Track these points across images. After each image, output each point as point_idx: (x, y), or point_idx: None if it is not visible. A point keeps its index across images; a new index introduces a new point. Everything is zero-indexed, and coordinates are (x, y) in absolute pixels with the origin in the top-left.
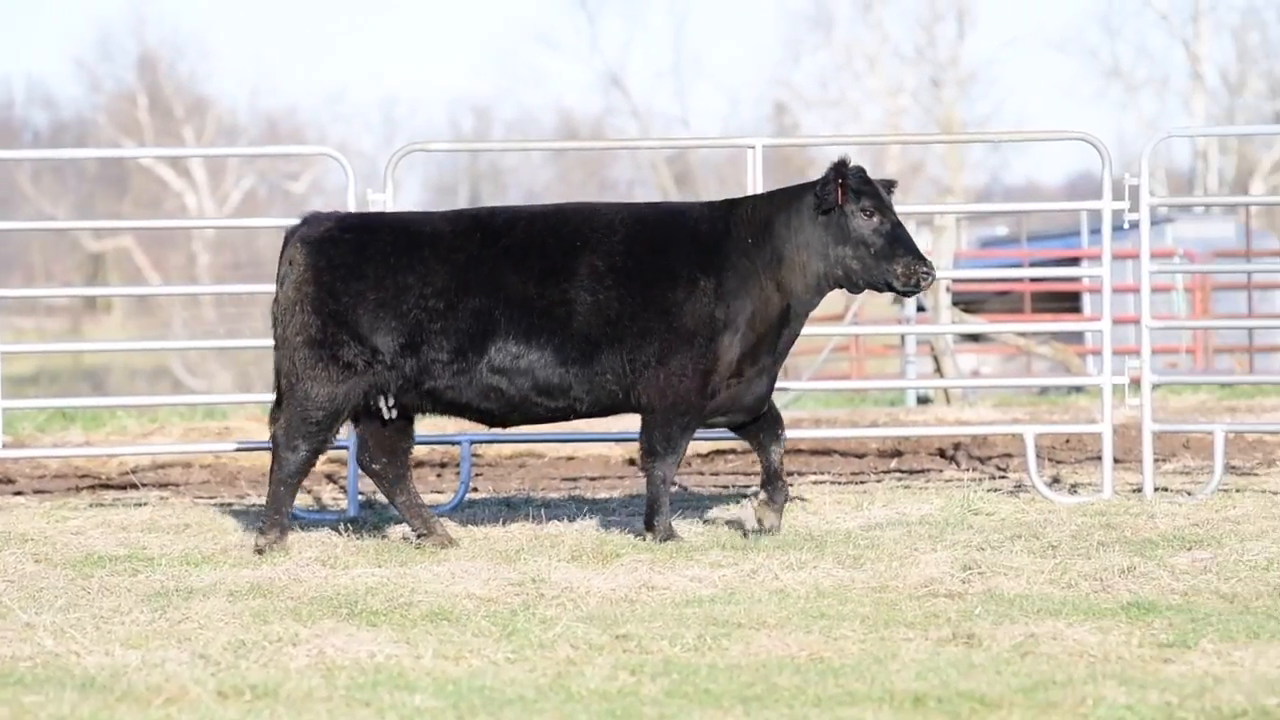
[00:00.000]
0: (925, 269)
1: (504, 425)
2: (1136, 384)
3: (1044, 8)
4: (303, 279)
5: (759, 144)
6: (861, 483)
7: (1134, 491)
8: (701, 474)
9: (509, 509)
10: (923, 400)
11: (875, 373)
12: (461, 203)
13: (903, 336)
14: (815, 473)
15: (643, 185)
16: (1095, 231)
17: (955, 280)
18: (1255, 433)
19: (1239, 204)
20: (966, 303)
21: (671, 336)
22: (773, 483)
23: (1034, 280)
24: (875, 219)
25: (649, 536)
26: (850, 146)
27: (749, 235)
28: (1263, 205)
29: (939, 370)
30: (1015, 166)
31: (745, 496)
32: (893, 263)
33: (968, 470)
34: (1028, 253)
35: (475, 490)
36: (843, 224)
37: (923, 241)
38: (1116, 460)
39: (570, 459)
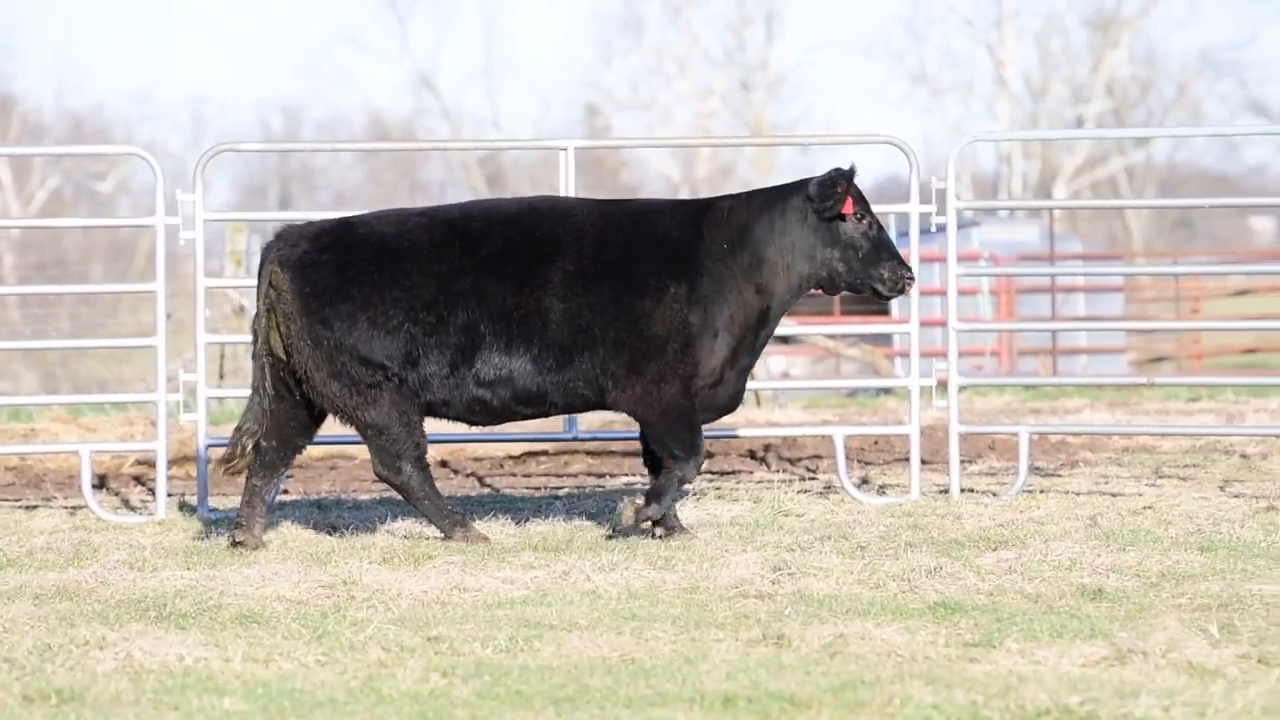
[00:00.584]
0: (909, 274)
1: (485, 427)
2: (944, 386)
3: (851, 12)
4: (292, 310)
5: (571, 146)
6: None
7: (941, 493)
8: (514, 475)
9: (320, 511)
10: None
11: None
12: (271, 204)
13: None
14: (627, 474)
15: (455, 186)
16: (903, 234)
17: None
18: (1059, 434)
19: (1043, 208)
20: None
21: (643, 346)
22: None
23: None
24: (864, 222)
25: (646, 508)
26: (662, 149)
27: (724, 240)
28: (1066, 209)
29: None
30: (824, 169)
31: (558, 498)
32: (879, 267)
33: (778, 472)
34: None
35: (286, 492)
36: (832, 227)
37: None
38: (924, 461)
39: None
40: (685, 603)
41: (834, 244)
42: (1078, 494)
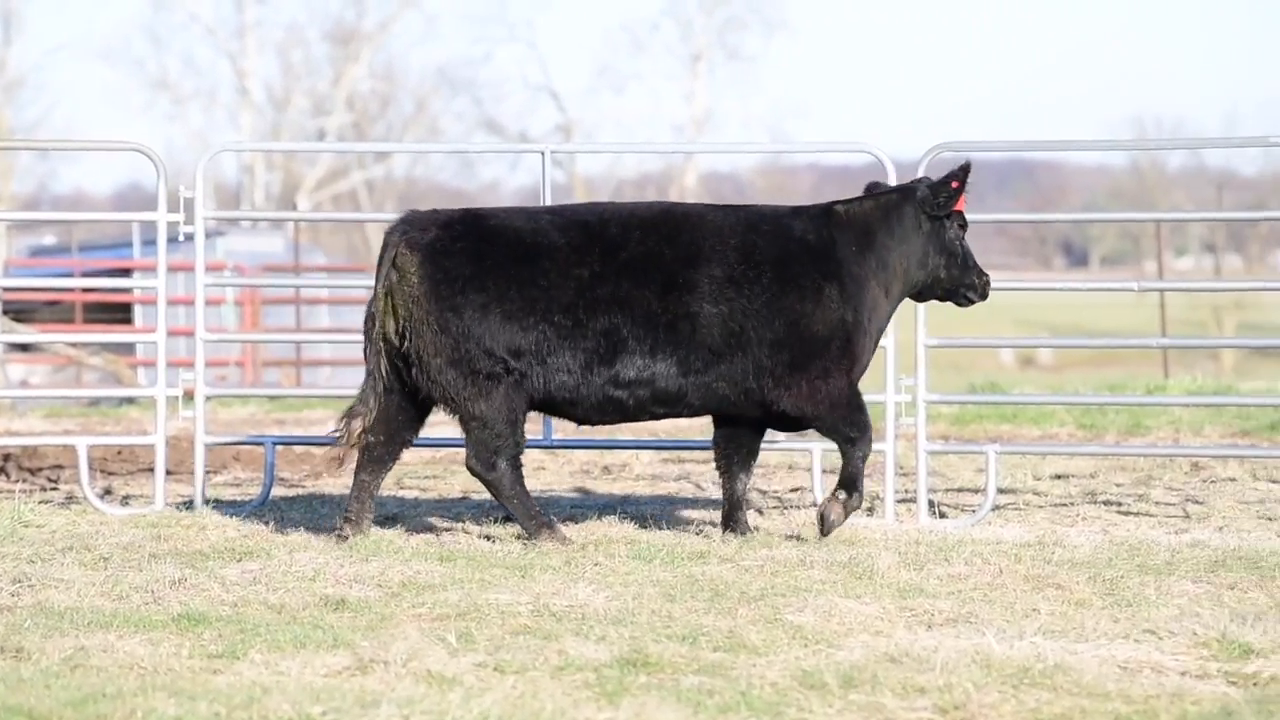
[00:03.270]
0: (988, 278)
1: (598, 425)
2: (190, 396)
3: (91, 16)
4: (419, 294)
5: None
6: None
7: (186, 504)
8: None
9: None
10: None
11: None
12: None
13: None
14: None
15: None
16: (149, 243)
17: (5, 289)
18: (303, 445)
19: (287, 219)
20: (16, 312)
21: (806, 345)
22: (735, 512)
23: (86, 290)
24: (960, 229)
25: (850, 497)
26: None
27: (851, 242)
28: (309, 221)
29: None
30: (64, 175)
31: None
32: (970, 274)
33: (18, 482)
34: (79, 262)
35: None
36: (940, 233)
37: None
38: (169, 472)
39: None
40: None
41: (941, 250)
42: (324, 501)
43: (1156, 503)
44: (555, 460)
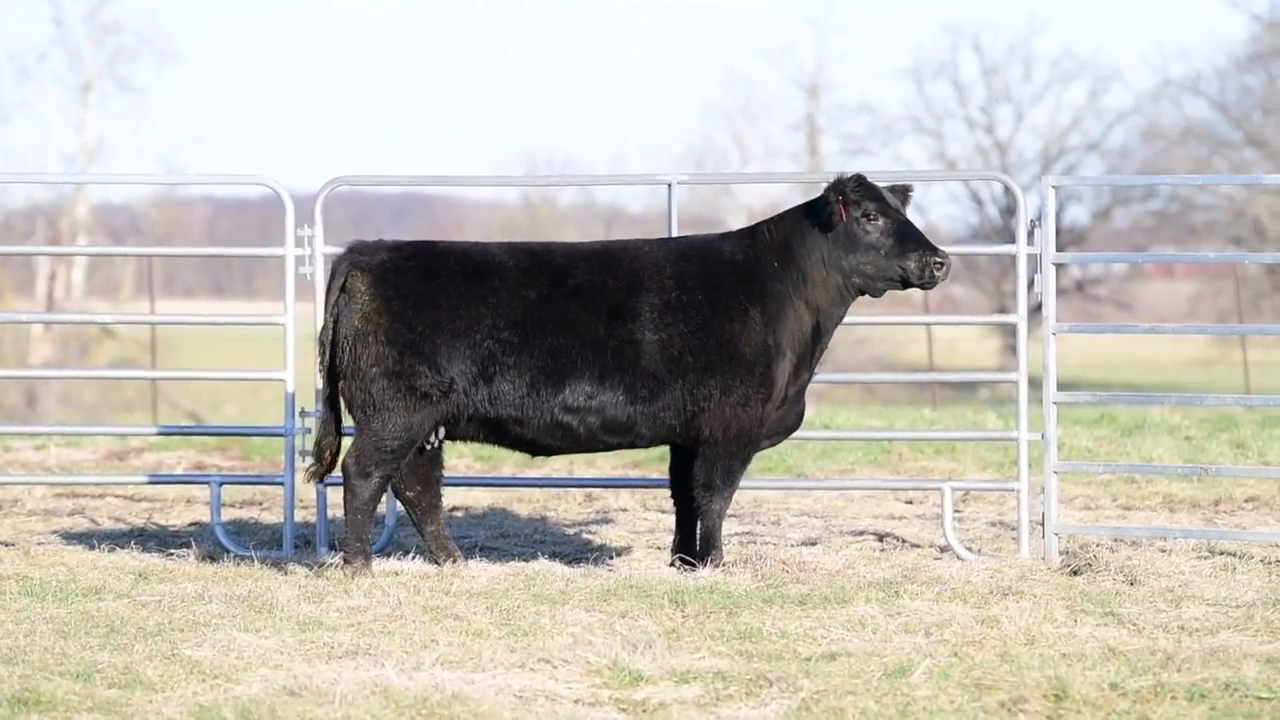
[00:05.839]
0: (939, 259)
1: (551, 455)
2: None
3: None
4: (371, 309)
5: None
6: None
7: None
8: None
9: None
10: None
11: None
12: None
13: None
14: None
15: None
16: None
17: None
18: None
19: None
20: None
21: (733, 368)
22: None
23: None
24: (880, 221)
25: (705, 568)
26: None
27: (774, 259)
28: None
29: None
30: None
31: None
32: (905, 259)
33: None
34: None
35: None
36: (852, 234)
37: None
38: None
39: None
40: None
41: (855, 249)
42: None
43: (551, 533)
44: None
